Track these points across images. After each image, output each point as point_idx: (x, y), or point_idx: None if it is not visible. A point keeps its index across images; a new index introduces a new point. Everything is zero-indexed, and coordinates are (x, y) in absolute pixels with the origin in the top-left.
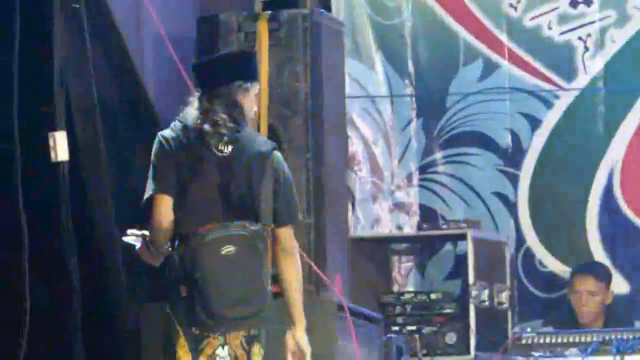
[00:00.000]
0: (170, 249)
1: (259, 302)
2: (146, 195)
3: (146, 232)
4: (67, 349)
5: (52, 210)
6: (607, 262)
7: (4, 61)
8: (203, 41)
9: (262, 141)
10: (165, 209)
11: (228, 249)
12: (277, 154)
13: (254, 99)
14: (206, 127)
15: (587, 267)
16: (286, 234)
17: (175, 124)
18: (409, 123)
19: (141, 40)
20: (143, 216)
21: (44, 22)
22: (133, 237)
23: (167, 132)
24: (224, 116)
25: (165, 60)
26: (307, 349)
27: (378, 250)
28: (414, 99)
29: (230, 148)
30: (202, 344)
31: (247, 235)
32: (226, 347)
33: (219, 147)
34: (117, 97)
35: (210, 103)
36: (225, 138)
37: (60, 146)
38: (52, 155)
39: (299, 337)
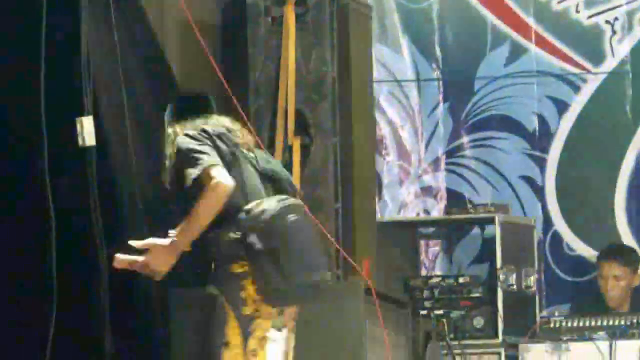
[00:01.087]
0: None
1: (325, 267)
2: (196, 172)
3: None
4: (95, 335)
5: (79, 196)
6: (635, 245)
7: (30, 47)
8: (230, 26)
9: None
10: (227, 175)
11: (293, 217)
12: None
13: None
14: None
15: (612, 252)
16: None
17: (194, 130)
18: (436, 107)
19: (165, 26)
20: (192, 195)
21: (70, 8)
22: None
23: (190, 132)
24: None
25: (188, 46)
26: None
27: (406, 234)
28: (441, 82)
29: (253, 154)
30: (252, 326)
31: (301, 204)
32: (284, 330)
33: (244, 150)
34: (144, 82)
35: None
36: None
37: (87, 131)
38: (80, 140)
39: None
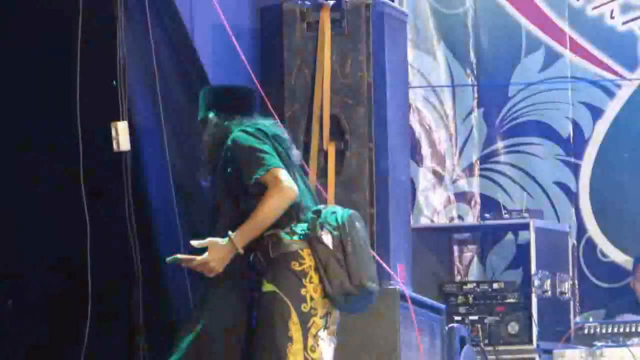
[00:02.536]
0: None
1: (376, 280)
2: (261, 173)
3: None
4: (129, 338)
5: (115, 200)
6: None
7: (66, 51)
8: (265, 31)
9: None
10: (291, 179)
11: (360, 225)
12: None
13: None
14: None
15: None
16: None
17: (251, 127)
18: (470, 113)
19: (193, 31)
20: (251, 194)
21: (106, 13)
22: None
23: (249, 129)
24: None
25: (218, 51)
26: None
27: (440, 240)
28: (475, 88)
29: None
30: (309, 323)
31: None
32: (326, 331)
33: (293, 151)
34: (179, 86)
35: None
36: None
37: (122, 136)
38: (115, 145)
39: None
